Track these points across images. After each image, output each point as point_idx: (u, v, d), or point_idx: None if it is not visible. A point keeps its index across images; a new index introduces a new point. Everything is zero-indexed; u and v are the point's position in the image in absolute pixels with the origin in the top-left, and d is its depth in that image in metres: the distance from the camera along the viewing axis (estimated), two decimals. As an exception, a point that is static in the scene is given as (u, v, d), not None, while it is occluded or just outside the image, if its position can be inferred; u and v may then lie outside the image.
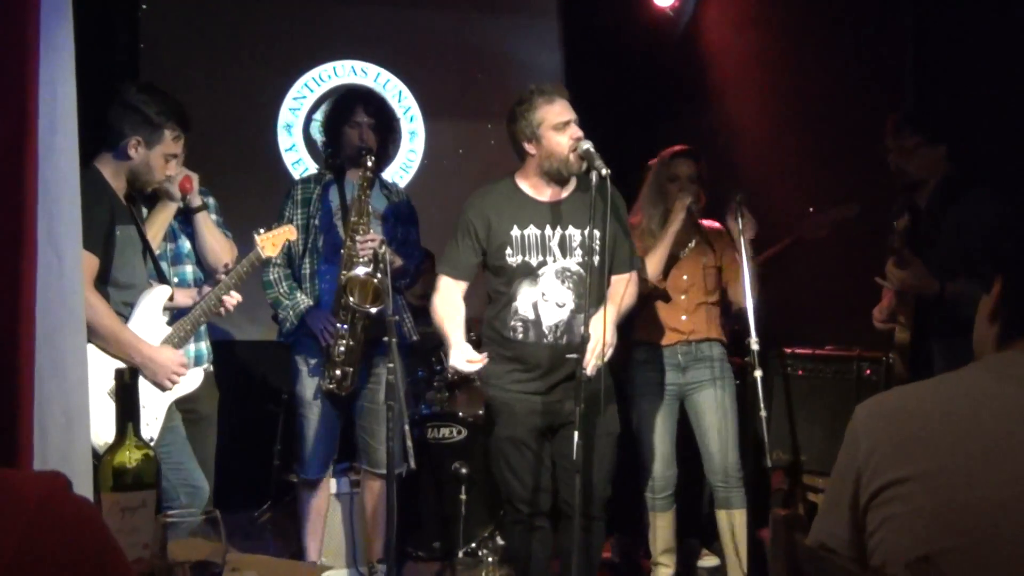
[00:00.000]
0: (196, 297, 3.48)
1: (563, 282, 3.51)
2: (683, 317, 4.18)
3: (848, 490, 1.45)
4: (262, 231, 3.60)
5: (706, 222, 4.31)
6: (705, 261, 4.22)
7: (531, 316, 3.51)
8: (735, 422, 4.11)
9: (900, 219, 3.61)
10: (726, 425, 4.10)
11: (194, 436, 3.66)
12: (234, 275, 3.47)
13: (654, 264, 4.07)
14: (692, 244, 4.24)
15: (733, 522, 4.10)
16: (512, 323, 3.54)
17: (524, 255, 3.51)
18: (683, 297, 4.20)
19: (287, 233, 3.69)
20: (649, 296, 4.14)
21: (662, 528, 4.25)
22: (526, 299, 3.52)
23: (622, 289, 3.60)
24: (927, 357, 3.51)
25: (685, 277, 4.20)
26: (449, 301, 3.59)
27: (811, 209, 4.43)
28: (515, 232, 3.52)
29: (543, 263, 3.51)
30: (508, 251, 3.52)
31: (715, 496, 4.18)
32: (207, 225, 3.73)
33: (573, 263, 3.51)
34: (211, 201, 3.90)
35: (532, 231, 3.52)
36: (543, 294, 3.51)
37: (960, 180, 3.60)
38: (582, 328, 3.36)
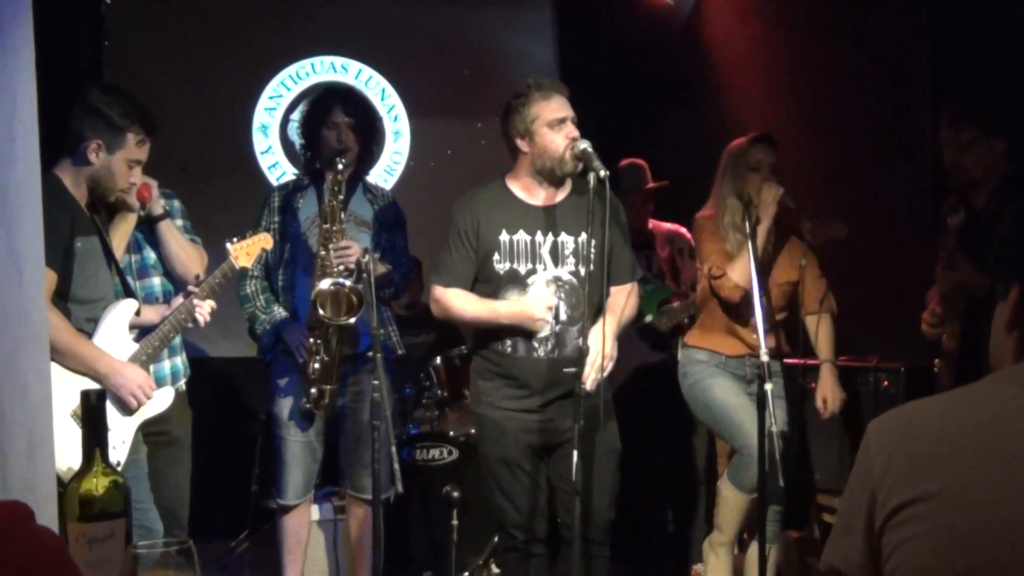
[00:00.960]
0: (165, 313, 3.47)
1: (555, 293, 3.51)
2: (755, 334, 3.89)
3: (862, 510, 1.45)
4: (235, 240, 3.61)
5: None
6: (782, 276, 4.06)
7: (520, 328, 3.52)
8: (779, 453, 3.73)
9: (954, 216, 3.59)
10: (777, 448, 3.81)
11: (167, 460, 3.66)
12: (206, 287, 3.46)
13: (745, 268, 3.79)
14: (771, 250, 4.05)
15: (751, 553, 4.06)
16: (500, 335, 3.54)
17: (512, 262, 3.51)
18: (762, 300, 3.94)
19: (262, 242, 3.69)
20: (734, 305, 4.00)
21: (737, 509, 4.07)
22: None
23: (622, 301, 3.60)
24: (975, 365, 3.47)
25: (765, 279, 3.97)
26: (462, 295, 3.55)
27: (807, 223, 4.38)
28: (504, 237, 3.52)
29: (532, 271, 3.51)
30: (496, 257, 3.51)
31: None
32: (171, 233, 3.72)
33: (566, 272, 3.51)
34: (176, 205, 3.90)
35: (522, 236, 3.52)
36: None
37: (1020, 180, 3.52)
38: (579, 341, 3.37)
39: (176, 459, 3.75)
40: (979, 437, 1.38)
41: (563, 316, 3.50)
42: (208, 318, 3.48)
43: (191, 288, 3.47)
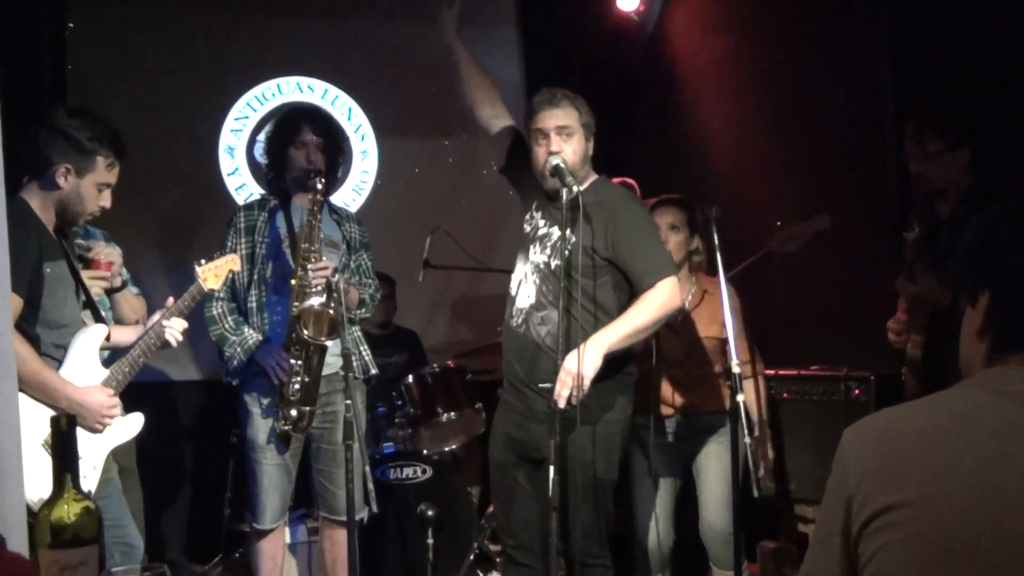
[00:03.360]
0: (138, 332, 3.44)
1: (532, 274, 3.58)
2: (676, 392, 4.03)
3: (838, 520, 1.45)
4: (203, 262, 3.58)
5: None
6: (703, 330, 4.05)
7: (513, 291, 3.65)
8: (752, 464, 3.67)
9: (910, 232, 3.63)
10: (727, 491, 3.87)
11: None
12: (175, 311, 3.43)
13: None
14: (687, 307, 4.04)
15: None
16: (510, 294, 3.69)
17: (526, 229, 3.68)
18: (678, 371, 4.04)
19: (230, 263, 3.66)
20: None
21: None
22: (517, 273, 3.66)
23: (636, 304, 3.51)
24: (940, 372, 3.49)
25: (677, 348, 4.03)
26: None
27: (779, 223, 4.43)
28: (531, 210, 3.70)
29: (526, 249, 3.65)
30: (527, 216, 3.70)
31: (708, 552, 4.15)
32: (127, 300, 3.76)
33: (541, 260, 3.56)
34: (117, 251, 3.89)
35: (533, 215, 3.67)
36: (525, 275, 3.62)
37: (985, 190, 3.54)
38: (542, 328, 3.48)
39: (128, 490, 3.70)
40: (953, 444, 1.39)
41: (532, 300, 3.55)
42: (181, 337, 3.44)
43: (167, 305, 3.43)
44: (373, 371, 4.23)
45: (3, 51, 2.11)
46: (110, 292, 3.71)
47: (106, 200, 3.34)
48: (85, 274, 3.46)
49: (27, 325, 3.14)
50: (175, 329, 3.40)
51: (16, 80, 2.63)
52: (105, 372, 3.31)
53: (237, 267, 3.73)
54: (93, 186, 3.27)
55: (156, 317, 3.43)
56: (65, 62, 6.03)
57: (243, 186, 6.41)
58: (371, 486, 3.39)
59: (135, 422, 3.40)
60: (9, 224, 2.10)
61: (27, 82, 5.40)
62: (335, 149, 4.18)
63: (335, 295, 3.54)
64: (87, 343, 3.28)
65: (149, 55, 6.19)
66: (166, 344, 3.41)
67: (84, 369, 3.26)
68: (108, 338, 3.36)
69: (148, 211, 5.98)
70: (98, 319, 3.42)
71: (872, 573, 1.40)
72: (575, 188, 3.36)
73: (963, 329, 1.55)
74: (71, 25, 6.10)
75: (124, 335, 3.47)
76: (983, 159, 3.62)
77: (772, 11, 5.47)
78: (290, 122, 4.16)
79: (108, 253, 3.61)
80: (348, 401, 3.40)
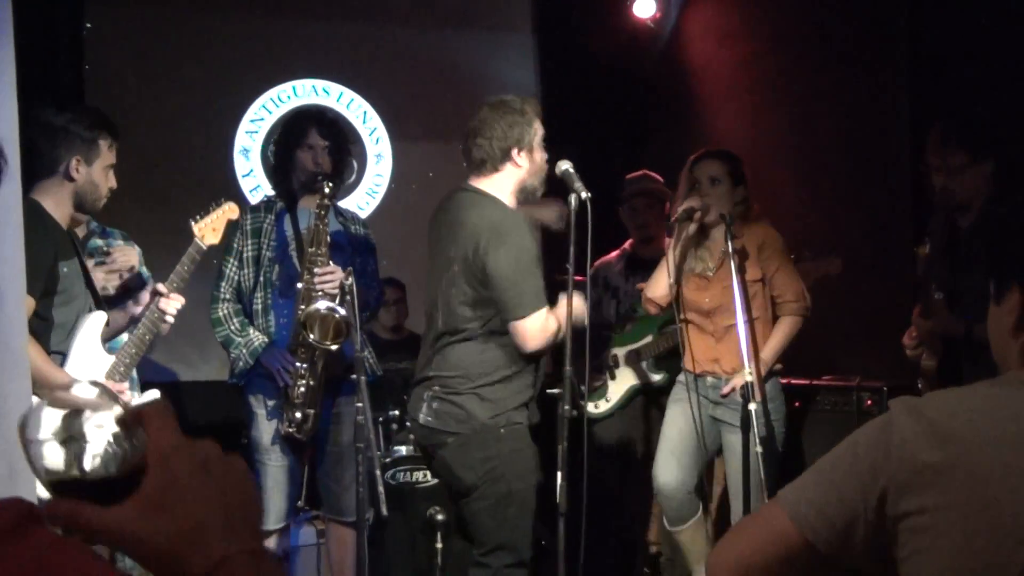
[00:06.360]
0: (131, 311, 3.41)
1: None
2: (710, 344, 4.01)
3: (867, 499, 1.38)
4: (198, 218, 3.54)
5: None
6: (752, 268, 3.99)
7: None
8: (764, 474, 3.63)
9: (922, 247, 3.60)
10: (749, 478, 3.74)
11: None
12: (176, 278, 3.41)
13: (653, 283, 4.00)
14: (719, 260, 3.99)
15: None
16: None
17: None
18: (708, 322, 4.01)
19: (228, 213, 3.61)
20: (670, 320, 4.12)
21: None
22: None
23: None
24: (956, 384, 3.45)
25: (708, 300, 3.99)
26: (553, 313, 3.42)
27: (792, 256, 4.31)
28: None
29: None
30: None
31: None
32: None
33: None
34: (136, 250, 3.89)
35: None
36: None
37: (1007, 201, 3.53)
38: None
39: None
40: (1001, 449, 1.35)
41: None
42: (175, 313, 3.38)
43: (159, 286, 3.40)
44: (378, 373, 4.23)
45: (20, 51, 2.12)
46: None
47: (112, 181, 3.40)
48: (100, 271, 3.48)
49: (40, 323, 3.15)
50: (170, 307, 3.36)
51: (32, 82, 2.64)
52: (111, 358, 3.32)
53: (235, 215, 3.70)
54: (102, 170, 3.33)
55: (145, 296, 3.40)
56: (82, 62, 6.06)
57: (257, 188, 6.44)
58: (381, 489, 3.39)
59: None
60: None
61: (44, 83, 5.42)
62: (342, 152, 4.17)
63: (348, 298, 3.53)
64: (89, 331, 3.29)
65: (166, 56, 6.22)
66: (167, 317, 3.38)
67: (89, 358, 3.26)
68: (108, 324, 3.36)
69: (162, 211, 5.98)
70: (99, 308, 3.41)
71: (911, 572, 1.37)
72: (584, 194, 3.29)
73: (992, 327, 1.50)
74: (88, 25, 6.13)
75: (119, 316, 3.45)
76: (1006, 170, 3.58)
77: (788, 19, 5.47)
78: (297, 124, 4.17)
79: (126, 258, 3.62)
80: (359, 404, 3.40)
